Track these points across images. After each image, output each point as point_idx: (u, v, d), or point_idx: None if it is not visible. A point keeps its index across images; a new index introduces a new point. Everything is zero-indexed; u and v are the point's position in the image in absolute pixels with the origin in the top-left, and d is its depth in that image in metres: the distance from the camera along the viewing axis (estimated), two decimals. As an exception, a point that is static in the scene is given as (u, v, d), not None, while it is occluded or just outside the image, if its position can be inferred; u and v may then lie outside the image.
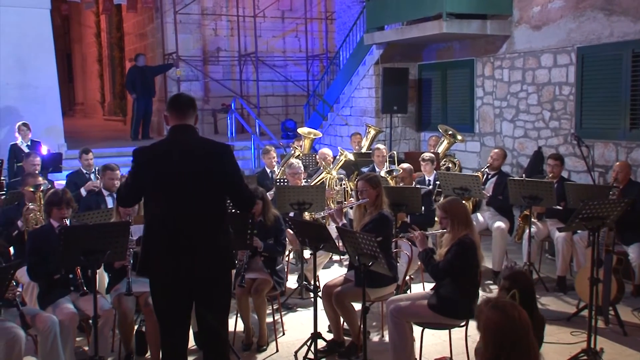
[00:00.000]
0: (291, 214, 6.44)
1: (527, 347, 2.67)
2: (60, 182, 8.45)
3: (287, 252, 6.40)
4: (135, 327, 5.06)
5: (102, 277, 5.48)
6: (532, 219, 6.72)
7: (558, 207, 6.61)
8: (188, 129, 3.72)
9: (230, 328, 5.25)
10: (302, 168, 7.15)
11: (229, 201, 3.93)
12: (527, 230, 6.59)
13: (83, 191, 7.19)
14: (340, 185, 7.63)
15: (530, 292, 3.44)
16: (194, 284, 3.64)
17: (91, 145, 9.39)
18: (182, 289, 3.64)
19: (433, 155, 8.03)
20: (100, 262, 4.27)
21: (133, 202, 3.98)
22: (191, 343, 4.59)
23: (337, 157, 8.02)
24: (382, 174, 7.64)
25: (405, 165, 7.54)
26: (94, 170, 7.77)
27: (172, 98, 3.82)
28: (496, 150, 7.54)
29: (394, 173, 7.46)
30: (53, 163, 9.14)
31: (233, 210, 5.70)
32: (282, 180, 7.31)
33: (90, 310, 4.40)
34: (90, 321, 4.40)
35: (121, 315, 4.80)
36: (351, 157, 7.93)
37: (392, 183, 7.29)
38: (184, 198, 3.59)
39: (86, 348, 5.11)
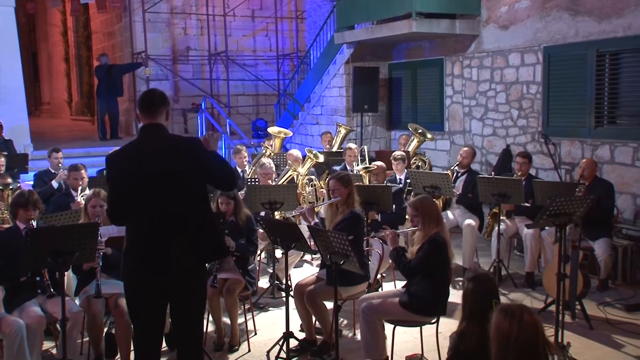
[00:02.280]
0: (262, 214, 6.41)
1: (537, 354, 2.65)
2: (28, 182, 8.30)
3: (258, 252, 6.38)
4: (105, 329, 4.99)
5: (70, 279, 5.40)
6: (501, 217, 6.81)
7: (526, 204, 6.70)
8: (157, 128, 3.65)
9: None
10: (274, 168, 7.13)
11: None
12: (496, 227, 6.67)
13: (55, 183, 7.18)
14: (311, 186, 7.62)
15: (494, 295, 3.43)
16: (174, 282, 3.59)
17: (59, 146, 9.23)
18: (160, 289, 3.60)
19: (404, 153, 8.07)
20: (68, 264, 4.19)
21: (126, 216, 3.64)
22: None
23: (305, 157, 8.02)
24: (357, 169, 7.63)
25: (379, 162, 7.57)
26: (62, 169, 7.69)
27: (142, 96, 3.73)
28: (465, 149, 7.61)
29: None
30: (19, 163, 8.97)
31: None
32: (253, 180, 7.27)
33: (58, 312, 4.32)
34: (58, 324, 4.32)
35: (90, 318, 4.72)
36: (321, 158, 7.92)
37: (366, 178, 7.30)
38: (162, 199, 3.54)
39: (54, 351, 5.03)
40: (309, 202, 7.32)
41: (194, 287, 3.68)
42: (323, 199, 7.53)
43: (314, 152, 7.91)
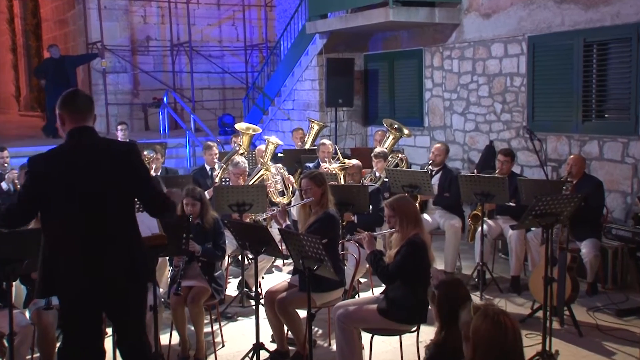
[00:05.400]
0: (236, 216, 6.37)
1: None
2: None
3: (226, 257, 6.34)
4: (58, 344, 4.89)
5: (19, 290, 5.30)
6: (484, 218, 6.85)
7: (510, 203, 6.76)
8: (89, 131, 3.61)
9: (165, 341, 5.19)
10: (247, 167, 7.15)
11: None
12: (479, 229, 6.72)
13: (4, 185, 7.10)
14: (279, 174, 7.63)
15: (466, 297, 3.44)
16: (107, 298, 3.57)
17: (5, 143, 9.06)
18: (96, 305, 3.57)
19: (386, 150, 8.10)
20: (16, 273, 4.12)
21: (26, 221, 3.69)
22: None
23: (266, 147, 8.05)
24: (332, 166, 7.64)
25: (354, 161, 7.59)
26: (8, 169, 7.59)
27: (68, 97, 3.63)
28: (437, 145, 7.62)
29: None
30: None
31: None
32: (224, 180, 7.26)
33: (5, 327, 4.23)
34: (6, 339, 4.24)
35: (41, 331, 4.65)
36: (278, 141, 7.98)
37: (341, 176, 7.31)
38: (93, 209, 3.50)
39: (2, 369, 4.94)
40: (279, 193, 7.35)
41: (133, 300, 3.66)
42: (292, 187, 7.55)
43: (270, 138, 7.97)
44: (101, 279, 3.51)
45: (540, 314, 5.37)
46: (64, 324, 3.67)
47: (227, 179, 7.22)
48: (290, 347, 5.18)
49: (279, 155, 9.07)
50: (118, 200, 3.59)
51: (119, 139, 9.13)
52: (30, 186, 3.52)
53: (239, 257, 6.76)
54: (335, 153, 8.18)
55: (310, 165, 8.10)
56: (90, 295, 3.52)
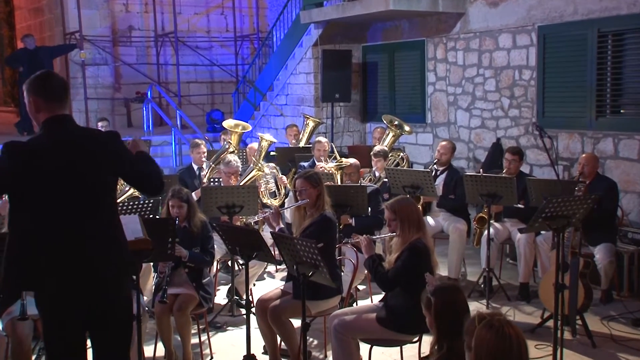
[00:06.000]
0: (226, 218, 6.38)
1: None
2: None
3: (215, 263, 6.35)
4: (34, 356, 4.91)
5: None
6: (490, 220, 6.86)
7: (519, 205, 6.78)
8: (67, 120, 3.59)
9: (149, 353, 5.19)
10: (240, 166, 7.15)
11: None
12: (485, 232, 6.73)
13: None
14: (271, 174, 7.65)
15: (465, 304, 3.45)
16: (89, 303, 3.54)
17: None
18: (76, 311, 3.54)
19: (386, 148, 8.11)
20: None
21: None
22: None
23: (259, 145, 8.06)
24: (329, 165, 7.67)
25: (352, 160, 7.60)
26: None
27: (40, 80, 3.56)
28: (443, 143, 7.63)
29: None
30: None
31: (152, 216, 5.65)
32: (214, 180, 7.26)
33: (-23, 338, 4.24)
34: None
35: (15, 344, 4.63)
36: (272, 139, 8.00)
37: (338, 176, 7.33)
38: (73, 205, 3.47)
39: (-27, 383, 4.93)
40: (270, 193, 7.34)
41: (115, 304, 3.62)
42: (285, 188, 7.55)
43: (264, 135, 7.99)
44: (91, 276, 3.48)
45: (550, 323, 5.38)
46: (47, 335, 3.63)
47: (216, 179, 7.22)
48: (283, 359, 5.18)
49: (272, 153, 9.09)
50: (99, 193, 3.56)
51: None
52: (11, 177, 3.44)
53: (229, 263, 6.76)
54: (332, 151, 8.19)
55: (305, 164, 8.11)
56: (76, 295, 3.48)
